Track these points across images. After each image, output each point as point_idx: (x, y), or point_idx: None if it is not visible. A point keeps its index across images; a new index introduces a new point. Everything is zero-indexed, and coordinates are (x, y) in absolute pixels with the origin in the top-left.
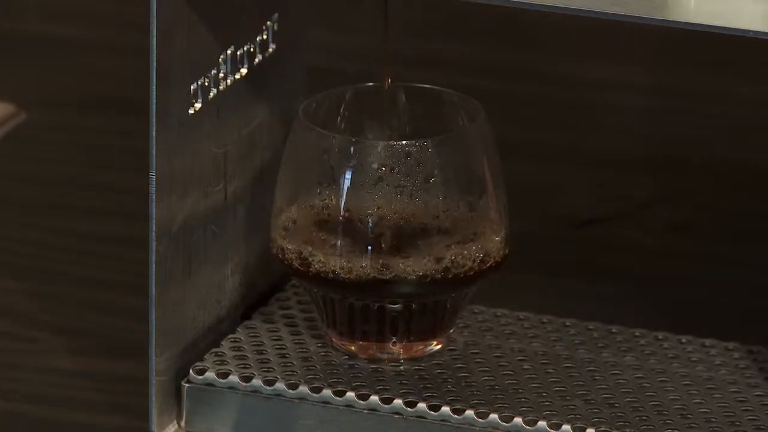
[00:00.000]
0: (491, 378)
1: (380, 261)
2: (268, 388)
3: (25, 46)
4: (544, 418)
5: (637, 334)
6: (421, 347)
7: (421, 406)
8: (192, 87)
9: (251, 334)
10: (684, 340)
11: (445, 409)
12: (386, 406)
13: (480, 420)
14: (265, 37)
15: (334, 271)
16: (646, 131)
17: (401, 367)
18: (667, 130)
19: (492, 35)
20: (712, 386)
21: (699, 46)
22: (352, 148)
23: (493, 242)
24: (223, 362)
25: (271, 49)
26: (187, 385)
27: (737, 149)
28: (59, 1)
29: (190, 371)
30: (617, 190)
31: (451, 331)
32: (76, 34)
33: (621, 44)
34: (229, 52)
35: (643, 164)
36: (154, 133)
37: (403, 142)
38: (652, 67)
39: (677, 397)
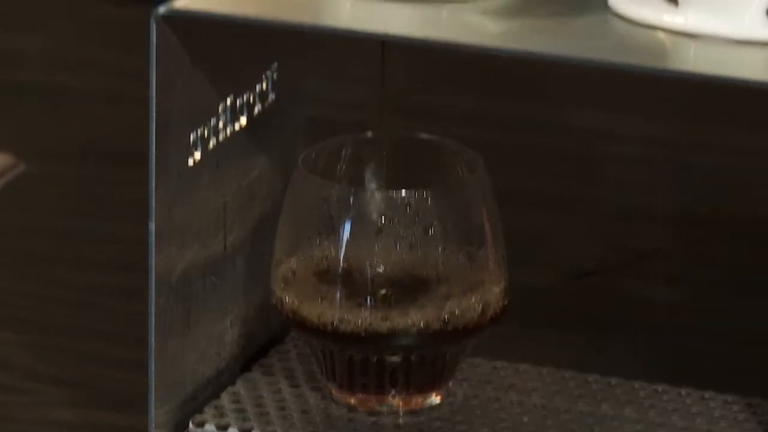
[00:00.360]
0: (491, 431)
1: (380, 313)
2: None
3: (25, 96)
4: None
5: (636, 386)
6: (420, 400)
7: None
8: (192, 137)
9: (251, 387)
10: (683, 393)
11: None
12: None
13: None
14: (264, 86)
15: (333, 323)
16: (646, 181)
17: (401, 420)
18: (666, 180)
19: (491, 85)
20: None
21: (699, 96)
22: (351, 198)
23: (493, 293)
24: (222, 415)
25: (270, 99)
26: None
27: (737, 200)
28: (59, 51)
29: (190, 424)
30: (617, 240)
31: (451, 383)
32: (75, 84)
33: (620, 94)
34: (228, 101)
35: (643, 215)
36: (153, 183)
37: (402, 192)
38: (652, 117)
39: None
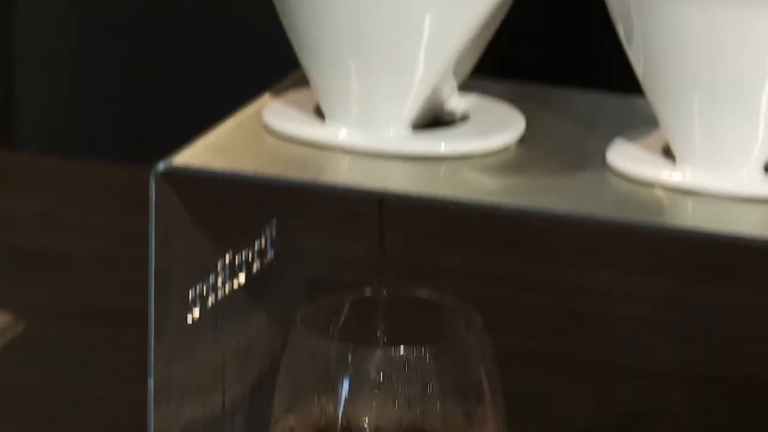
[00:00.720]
0: None
1: None
2: None
3: (25, 259)
4: None
5: None
6: None
7: None
8: (190, 294)
9: None
10: None
11: None
12: None
13: None
14: (263, 244)
15: None
16: (647, 341)
17: None
18: (667, 339)
19: (491, 243)
20: None
21: (699, 253)
22: (349, 356)
23: None
24: None
25: (269, 257)
26: None
27: (738, 360)
28: (57, 214)
29: None
30: (617, 400)
31: None
32: (75, 246)
33: (620, 252)
34: (227, 259)
35: (643, 375)
36: (153, 341)
37: (401, 349)
38: (651, 276)
39: None
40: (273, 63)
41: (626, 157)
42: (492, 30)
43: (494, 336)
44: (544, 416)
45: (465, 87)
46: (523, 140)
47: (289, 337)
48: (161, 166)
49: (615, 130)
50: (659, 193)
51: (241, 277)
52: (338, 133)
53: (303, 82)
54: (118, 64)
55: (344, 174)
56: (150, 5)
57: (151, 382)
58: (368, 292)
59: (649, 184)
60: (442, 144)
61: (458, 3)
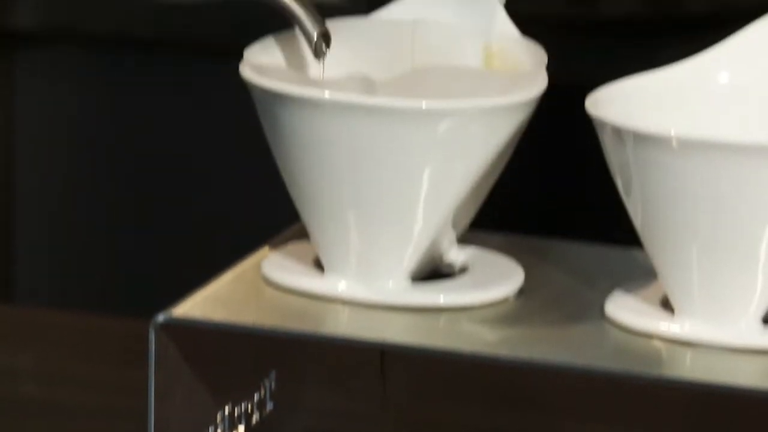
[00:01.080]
0: None
1: None
2: None
3: (24, 412)
4: None
5: None
6: None
7: None
8: None
9: None
10: None
11: None
12: None
13: None
14: (262, 395)
15: None
16: None
17: None
18: None
19: (492, 396)
20: None
21: (698, 406)
22: None
23: None
24: None
25: (268, 409)
26: None
27: None
28: (56, 367)
29: None
30: None
31: None
32: (74, 399)
33: (620, 404)
34: (226, 410)
35: None
36: None
37: None
38: (651, 428)
39: None
40: (271, 216)
41: (625, 309)
42: (490, 183)
43: None
44: None
45: (464, 239)
46: (522, 292)
47: None
48: (161, 317)
49: (613, 282)
50: (658, 344)
51: (241, 429)
52: (338, 285)
53: (301, 234)
54: (119, 219)
55: (344, 325)
56: (147, 164)
57: None
58: None
59: (647, 336)
60: (441, 296)
61: (456, 157)
